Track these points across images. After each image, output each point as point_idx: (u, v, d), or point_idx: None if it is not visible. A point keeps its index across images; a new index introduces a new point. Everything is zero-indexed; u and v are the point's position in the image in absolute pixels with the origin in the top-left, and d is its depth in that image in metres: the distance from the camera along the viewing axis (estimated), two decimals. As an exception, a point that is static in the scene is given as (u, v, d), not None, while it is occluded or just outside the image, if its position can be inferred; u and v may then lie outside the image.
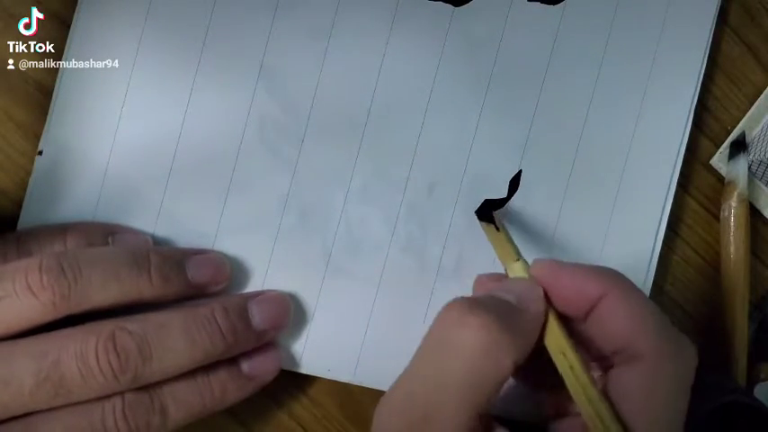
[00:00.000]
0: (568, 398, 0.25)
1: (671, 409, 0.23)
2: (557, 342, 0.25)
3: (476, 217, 0.29)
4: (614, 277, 0.25)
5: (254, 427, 0.31)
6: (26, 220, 0.28)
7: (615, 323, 0.24)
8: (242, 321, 0.27)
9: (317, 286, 0.30)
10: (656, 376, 0.23)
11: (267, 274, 0.29)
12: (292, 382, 0.31)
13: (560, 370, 0.24)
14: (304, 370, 0.30)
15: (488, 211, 0.29)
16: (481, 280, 0.30)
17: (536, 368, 0.25)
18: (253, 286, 0.29)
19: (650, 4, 0.31)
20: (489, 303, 0.24)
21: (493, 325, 0.23)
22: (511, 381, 0.28)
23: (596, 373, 0.26)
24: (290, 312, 0.29)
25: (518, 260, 0.27)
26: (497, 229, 0.28)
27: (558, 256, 0.31)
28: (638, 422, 0.23)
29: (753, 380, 0.34)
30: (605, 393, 0.24)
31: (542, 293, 0.25)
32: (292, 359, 0.30)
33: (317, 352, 0.30)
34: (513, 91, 0.31)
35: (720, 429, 0.30)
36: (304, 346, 0.30)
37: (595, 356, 0.26)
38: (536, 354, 0.24)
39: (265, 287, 0.29)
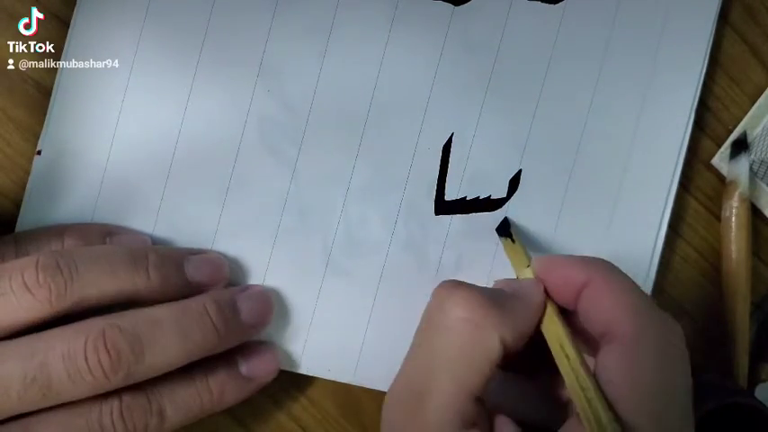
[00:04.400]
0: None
1: (655, 382, 0.23)
2: (555, 332, 0.25)
3: (496, 233, 0.30)
4: (598, 264, 0.26)
5: (254, 428, 0.31)
6: (25, 219, 0.28)
7: (597, 307, 0.25)
8: (233, 315, 0.27)
9: (317, 286, 0.30)
10: (635, 353, 0.23)
11: (266, 273, 0.29)
12: (292, 383, 0.31)
13: (557, 360, 0.24)
14: (304, 370, 0.30)
15: (508, 228, 0.30)
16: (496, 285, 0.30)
17: (550, 370, 0.25)
18: (252, 286, 0.29)
19: (651, 3, 0.31)
20: (476, 286, 0.25)
21: (478, 298, 0.24)
22: (525, 383, 0.28)
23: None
24: (273, 307, 0.29)
25: (529, 266, 0.27)
26: (513, 241, 0.29)
27: (559, 256, 0.31)
28: (624, 402, 0.23)
29: (754, 380, 0.34)
30: (595, 379, 0.23)
31: (542, 287, 0.26)
32: (292, 360, 0.30)
33: (317, 352, 0.30)
34: (513, 91, 0.31)
35: (721, 430, 0.30)
36: (304, 347, 0.30)
37: (591, 346, 0.26)
38: (550, 357, 0.25)
39: (264, 287, 0.29)
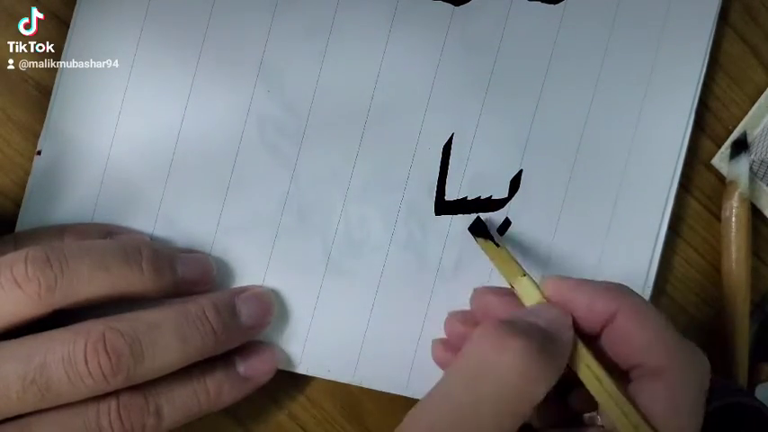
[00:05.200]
0: (558, 409, 0.26)
1: (695, 417, 0.24)
2: (581, 357, 0.25)
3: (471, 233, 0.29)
4: (624, 294, 0.25)
5: (254, 428, 0.31)
6: (25, 219, 0.28)
7: (630, 341, 0.25)
8: (232, 318, 0.27)
9: (317, 286, 0.30)
10: (679, 388, 0.24)
11: (266, 273, 0.29)
12: (292, 383, 0.31)
13: (586, 383, 0.24)
14: (303, 370, 0.30)
15: (483, 227, 0.29)
16: (482, 294, 0.29)
17: None
18: (252, 286, 0.29)
19: (651, 3, 0.31)
20: (526, 328, 0.24)
21: (534, 350, 0.23)
22: None
23: None
24: (273, 308, 0.29)
25: (525, 275, 0.26)
26: (497, 245, 0.28)
27: (559, 257, 0.31)
28: None
29: (754, 380, 0.34)
30: (635, 402, 0.24)
31: (571, 321, 0.25)
32: (292, 360, 0.30)
33: (317, 352, 0.30)
34: (513, 91, 0.30)
35: (722, 430, 0.30)
36: (303, 347, 0.30)
37: (611, 371, 0.26)
38: None
39: (263, 287, 0.29)
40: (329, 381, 0.30)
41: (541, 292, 0.26)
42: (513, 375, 0.22)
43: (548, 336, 0.24)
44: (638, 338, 0.24)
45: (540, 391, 0.23)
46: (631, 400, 0.24)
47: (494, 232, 0.29)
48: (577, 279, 0.26)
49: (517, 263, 0.27)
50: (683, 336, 0.25)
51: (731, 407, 0.29)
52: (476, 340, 0.24)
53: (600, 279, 0.26)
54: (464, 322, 0.29)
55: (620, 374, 0.25)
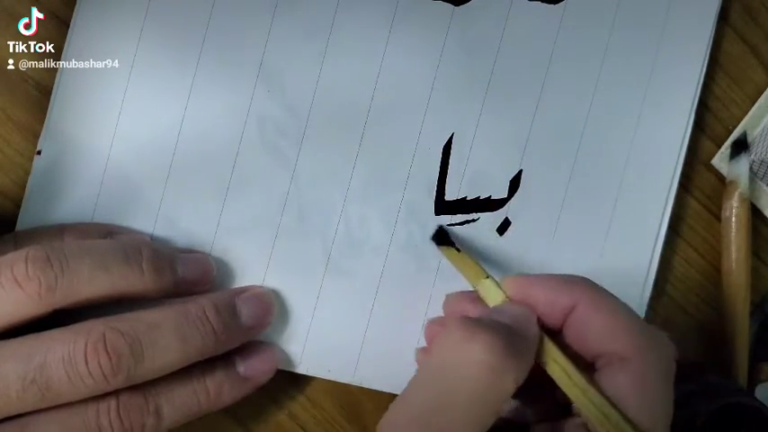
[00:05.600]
0: (549, 403, 0.25)
1: (663, 402, 0.24)
2: (547, 351, 0.25)
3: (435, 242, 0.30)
4: (583, 285, 0.25)
5: (254, 428, 0.31)
6: (25, 219, 0.28)
7: (591, 330, 0.25)
8: (232, 319, 0.27)
9: (317, 286, 0.30)
10: (645, 374, 0.24)
11: (266, 273, 0.29)
12: (292, 383, 0.31)
13: (555, 378, 0.24)
14: (304, 370, 0.30)
15: (446, 236, 0.29)
16: (453, 299, 0.29)
17: None
18: (252, 286, 0.29)
19: (651, 3, 0.31)
20: (492, 324, 0.24)
21: (500, 345, 0.23)
22: None
23: None
24: (273, 309, 0.29)
25: (487, 278, 0.27)
26: (458, 250, 0.28)
27: (559, 257, 0.31)
28: (640, 422, 0.23)
29: (754, 380, 0.34)
30: (604, 393, 0.24)
31: (535, 317, 0.25)
32: (292, 360, 0.30)
33: (317, 352, 0.30)
34: (513, 91, 0.31)
35: (722, 430, 0.30)
36: (303, 347, 0.30)
37: (577, 364, 0.26)
38: None
39: (264, 287, 0.29)
40: (329, 381, 0.30)
41: (504, 292, 0.26)
42: (480, 369, 0.23)
43: (513, 331, 0.24)
44: (597, 327, 0.24)
45: (508, 385, 0.23)
46: (600, 391, 0.24)
47: (454, 238, 0.29)
48: (536, 275, 0.26)
49: (479, 266, 0.27)
50: (648, 324, 0.25)
51: (731, 407, 0.29)
52: (444, 336, 0.24)
53: (599, 279, 0.26)
54: (442, 327, 0.29)
55: (587, 366, 0.25)
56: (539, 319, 0.25)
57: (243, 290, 0.28)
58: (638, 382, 0.24)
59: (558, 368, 0.24)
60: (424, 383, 0.24)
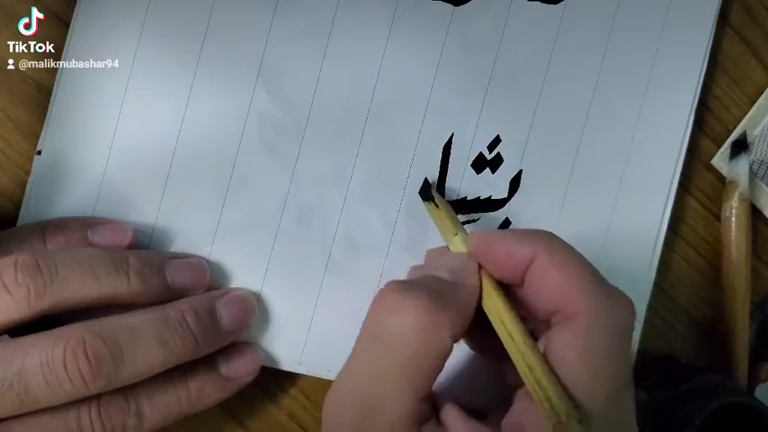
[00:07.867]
0: None
1: (611, 363, 0.23)
2: (495, 310, 0.24)
3: (421, 198, 0.30)
4: (543, 238, 0.25)
5: (254, 428, 0.31)
6: (25, 219, 0.28)
7: (546, 284, 0.24)
8: (212, 323, 0.27)
9: (317, 286, 0.30)
10: (589, 332, 0.23)
11: (266, 274, 0.29)
12: (292, 383, 0.31)
13: (501, 338, 0.24)
14: (303, 371, 0.30)
15: (429, 190, 0.29)
16: (431, 254, 0.29)
17: (492, 338, 0.24)
18: (251, 286, 0.29)
19: (651, 3, 0.31)
20: (421, 284, 0.24)
21: (426, 307, 0.23)
22: (471, 355, 0.28)
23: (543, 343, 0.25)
24: (254, 311, 0.29)
25: (456, 234, 0.27)
26: (437, 206, 0.28)
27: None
28: (578, 381, 0.22)
29: (754, 380, 0.34)
30: (545, 359, 0.23)
31: (476, 266, 0.25)
32: (291, 360, 0.30)
33: (317, 352, 0.30)
34: (513, 91, 0.31)
35: (722, 430, 0.30)
36: (303, 347, 0.30)
37: (538, 321, 0.25)
38: (489, 325, 0.24)
39: (264, 287, 0.29)
40: (329, 381, 0.30)
41: (468, 249, 0.26)
42: (407, 330, 0.23)
43: (446, 286, 0.24)
44: (552, 282, 0.23)
45: (443, 339, 0.23)
46: (541, 353, 0.23)
47: (435, 193, 0.29)
48: (501, 230, 0.26)
49: (453, 222, 0.27)
50: (607, 282, 0.24)
51: (731, 407, 0.29)
52: (373, 305, 0.24)
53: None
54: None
55: (543, 323, 0.24)
56: (498, 273, 0.25)
57: (223, 293, 0.28)
58: (580, 341, 0.22)
59: (502, 327, 0.24)
60: (359, 354, 0.24)
